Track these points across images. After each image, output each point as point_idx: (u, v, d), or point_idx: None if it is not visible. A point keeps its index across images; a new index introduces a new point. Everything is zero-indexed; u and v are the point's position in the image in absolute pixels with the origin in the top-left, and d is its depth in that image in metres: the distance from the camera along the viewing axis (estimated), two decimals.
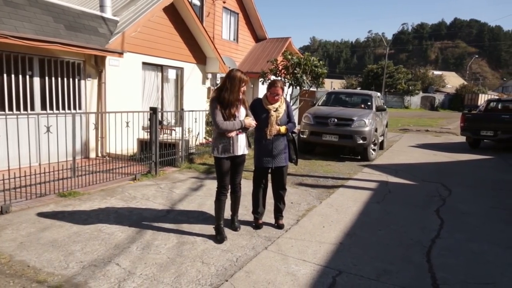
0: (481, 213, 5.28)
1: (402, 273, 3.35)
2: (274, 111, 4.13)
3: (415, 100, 48.18)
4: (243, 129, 3.90)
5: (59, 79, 7.51)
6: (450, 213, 5.17)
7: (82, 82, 7.99)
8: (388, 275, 3.30)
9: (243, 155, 4.03)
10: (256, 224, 4.38)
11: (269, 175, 4.42)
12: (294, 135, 4.45)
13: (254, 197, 4.41)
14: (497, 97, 21.27)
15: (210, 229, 4.18)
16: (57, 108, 7.49)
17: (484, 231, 4.52)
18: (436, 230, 4.49)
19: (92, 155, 8.17)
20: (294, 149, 4.41)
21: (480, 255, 3.80)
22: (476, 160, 10.15)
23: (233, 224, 4.27)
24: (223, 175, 3.91)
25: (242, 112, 3.93)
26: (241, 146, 3.94)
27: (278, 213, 4.47)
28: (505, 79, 76.74)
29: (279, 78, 10.79)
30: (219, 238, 3.93)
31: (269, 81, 4.58)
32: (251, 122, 3.93)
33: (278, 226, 4.39)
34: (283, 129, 4.18)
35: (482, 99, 39.08)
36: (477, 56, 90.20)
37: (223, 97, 3.78)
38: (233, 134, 3.83)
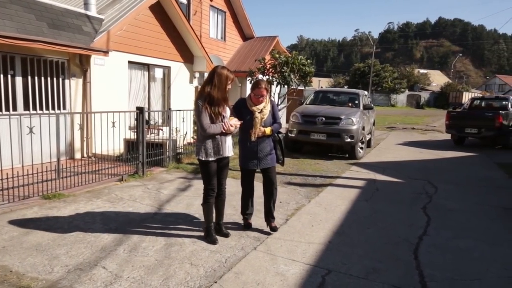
0: (466, 210, 5.36)
1: (391, 271, 3.37)
2: (259, 112, 3.99)
3: (401, 98, 48.81)
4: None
5: (42, 78, 7.34)
6: (437, 210, 5.23)
7: (67, 81, 7.83)
8: (377, 273, 3.32)
9: (228, 157, 3.93)
10: (245, 224, 4.33)
11: (257, 174, 4.37)
12: (280, 135, 4.34)
13: (243, 197, 4.35)
14: (480, 95, 21.70)
15: (198, 230, 4.14)
16: (41, 108, 7.33)
17: (470, 228, 4.58)
18: (423, 227, 4.54)
19: (78, 155, 8.02)
20: (281, 150, 4.29)
21: (466, 252, 3.85)
22: (461, 157, 10.32)
23: (220, 231, 4.05)
24: (211, 177, 3.79)
25: (227, 112, 3.81)
26: (229, 146, 3.85)
27: (269, 215, 4.30)
28: (488, 77, 78.34)
29: (266, 77, 10.77)
30: (209, 240, 3.86)
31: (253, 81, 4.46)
32: (236, 123, 3.79)
33: (271, 229, 4.24)
34: (268, 130, 4.04)
35: (466, 97, 39.85)
36: (461, 54, 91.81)
37: (211, 96, 3.61)
38: (232, 129, 3.72)
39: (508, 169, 8.41)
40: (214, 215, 3.99)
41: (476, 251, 3.87)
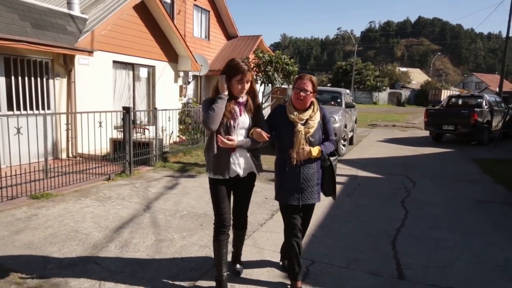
0: (442, 203, 5.66)
1: (370, 260, 3.60)
2: (302, 124, 2.82)
3: (382, 96, 49.78)
4: (253, 142, 2.79)
5: (26, 78, 7.31)
6: (414, 204, 5.51)
7: (51, 81, 7.81)
8: (357, 263, 3.54)
9: (249, 177, 2.96)
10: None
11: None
12: (333, 158, 3.01)
13: (286, 248, 3.01)
14: (457, 93, 22.41)
15: (187, 226, 4.28)
16: (25, 109, 7.30)
17: (444, 220, 4.87)
18: (401, 220, 4.80)
19: (63, 155, 8.01)
20: (332, 179, 3.00)
21: (440, 242, 4.11)
22: (439, 153, 10.73)
23: (234, 265, 3.27)
24: (219, 202, 2.86)
25: (244, 120, 2.82)
26: (240, 164, 2.84)
27: (290, 266, 2.98)
28: (465, 75, 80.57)
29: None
30: None
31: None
32: (260, 132, 2.72)
33: None
34: (315, 151, 2.81)
35: (445, 94, 40.99)
36: (440, 53, 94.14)
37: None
38: (230, 143, 2.70)
39: (482, 164, 8.82)
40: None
41: (449, 241, 4.14)
